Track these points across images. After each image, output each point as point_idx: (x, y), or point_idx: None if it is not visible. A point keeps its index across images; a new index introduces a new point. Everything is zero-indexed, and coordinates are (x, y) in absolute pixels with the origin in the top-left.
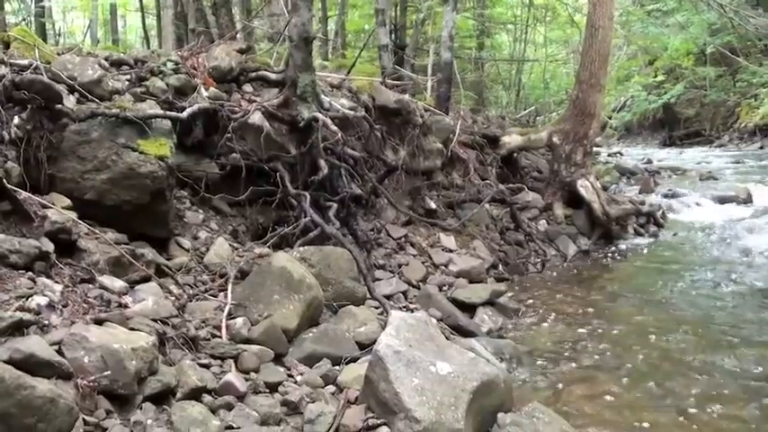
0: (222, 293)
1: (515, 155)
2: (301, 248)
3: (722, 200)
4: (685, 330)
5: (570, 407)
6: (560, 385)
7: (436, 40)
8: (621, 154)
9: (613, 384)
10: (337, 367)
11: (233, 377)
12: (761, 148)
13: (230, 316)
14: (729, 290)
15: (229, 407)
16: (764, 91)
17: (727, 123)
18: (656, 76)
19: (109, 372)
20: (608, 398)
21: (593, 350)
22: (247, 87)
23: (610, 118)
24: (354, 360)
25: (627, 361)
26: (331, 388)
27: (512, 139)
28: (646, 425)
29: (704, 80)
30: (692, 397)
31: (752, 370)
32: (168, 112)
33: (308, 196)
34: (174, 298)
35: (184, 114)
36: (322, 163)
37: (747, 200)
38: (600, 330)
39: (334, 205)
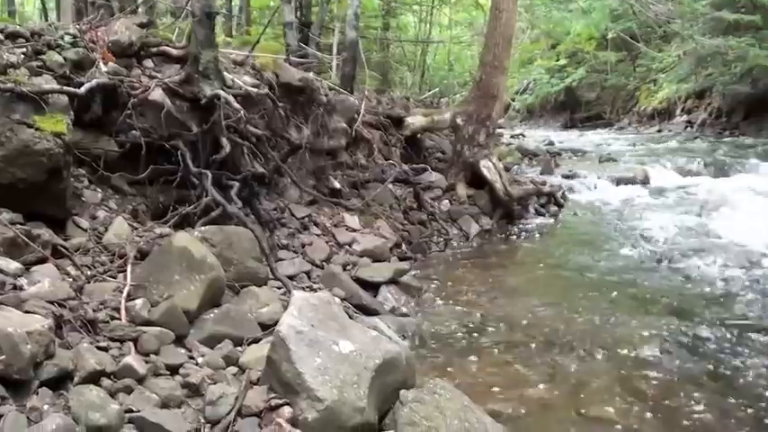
0: (121, 274)
1: (419, 135)
2: (203, 228)
3: (621, 181)
4: (582, 305)
5: (472, 382)
6: (462, 361)
7: (342, 18)
8: (524, 136)
9: (514, 359)
10: (239, 348)
11: (132, 360)
12: (659, 131)
13: (130, 297)
14: (624, 265)
15: (129, 390)
16: (663, 76)
17: (626, 107)
18: (558, 60)
19: (3, 356)
20: (509, 372)
21: (494, 326)
22: (148, 63)
23: (513, 100)
24: (257, 341)
25: (525, 336)
26: (233, 369)
27: (416, 120)
28: (545, 397)
29: (605, 64)
30: (588, 369)
31: (645, 338)
32: (65, 88)
33: (210, 175)
34: (71, 279)
35: (82, 90)
36: (224, 141)
37: (645, 181)
38: (501, 307)
39: (237, 184)
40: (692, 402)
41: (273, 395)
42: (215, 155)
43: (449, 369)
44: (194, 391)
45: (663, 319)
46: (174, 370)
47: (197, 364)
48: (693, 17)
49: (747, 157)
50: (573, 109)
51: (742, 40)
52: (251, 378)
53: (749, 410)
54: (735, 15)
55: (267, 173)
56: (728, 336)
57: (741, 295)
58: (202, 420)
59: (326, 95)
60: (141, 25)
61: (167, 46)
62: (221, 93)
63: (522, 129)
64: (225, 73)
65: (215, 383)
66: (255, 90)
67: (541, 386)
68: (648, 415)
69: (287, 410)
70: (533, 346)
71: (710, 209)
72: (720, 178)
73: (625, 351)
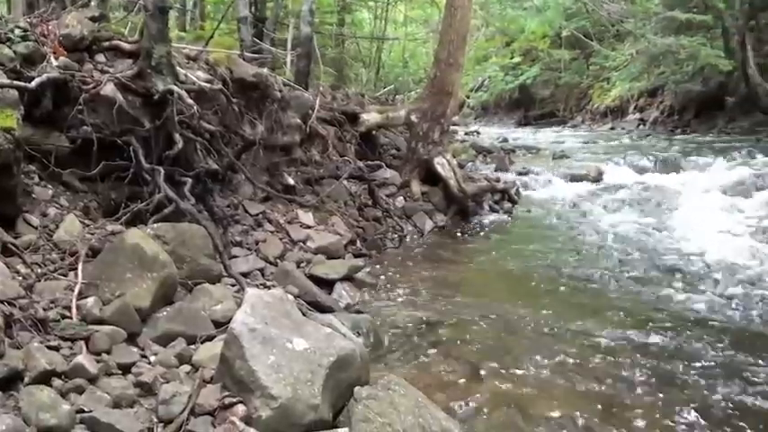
0: (72, 272)
1: (374, 132)
2: (155, 225)
3: (574, 178)
4: (534, 299)
5: (426, 378)
6: (417, 357)
7: (297, 14)
8: (478, 133)
9: (467, 354)
10: (192, 346)
11: (84, 359)
12: (612, 128)
13: (81, 296)
14: (576, 261)
15: (80, 390)
16: (616, 74)
17: (580, 105)
18: (512, 58)
19: None
20: (463, 368)
21: (448, 322)
22: (100, 57)
23: (468, 97)
24: (210, 339)
25: (480, 331)
26: (186, 367)
27: (371, 117)
28: (501, 389)
29: (559, 62)
30: (540, 365)
31: (596, 333)
32: (15, 82)
33: (163, 171)
34: (21, 278)
35: (33, 84)
36: (177, 137)
37: (598, 178)
38: (455, 303)
39: (190, 181)
40: (641, 400)
41: (227, 393)
42: (168, 151)
43: (403, 365)
44: (147, 390)
45: (612, 315)
46: (126, 369)
47: (149, 363)
48: (646, 16)
49: (698, 155)
50: (527, 106)
51: (693, 40)
52: (204, 376)
53: (694, 409)
54: (687, 15)
55: (221, 169)
56: (676, 331)
57: (690, 289)
58: (155, 420)
59: (281, 91)
60: (93, 19)
61: (120, 40)
62: (174, 88)
63: (477, 126)
64: (178, 68)
65: (168, 382)
66: (209, 86)
67: (495, 382)
68: (597, 412)
69: (241, 409)
70: (488, 342)
71: (662, 205)
72: (672, 175)
73: (575, 348)
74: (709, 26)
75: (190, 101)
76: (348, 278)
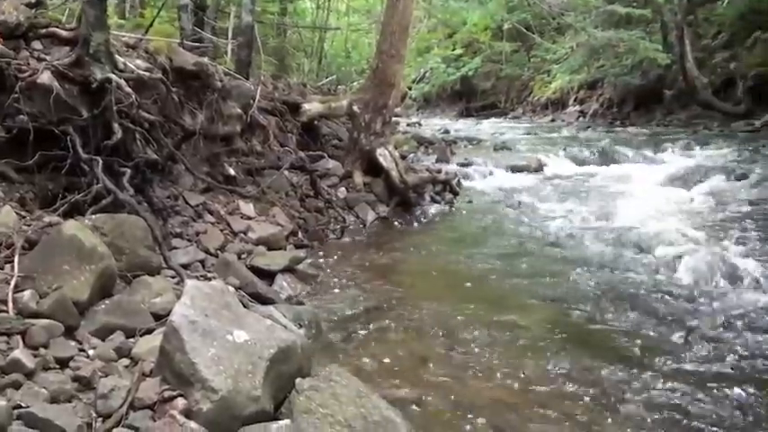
0: (8, 265)
1: (316, 122)
2: (93, 216)
3: (515, 169)
4: (473, 287)
5: (367, 368)
6: (358, 348)
7: (238, 2)
8: (420, 124)
9: (408, 343)
10: (132, 339)
11: (20, 354)
12: (552, 120)
13: (17, 289)
14: (516, 250)
15: (17, 385)
16: (556, 67)
17: (521, 97)
18: (454, 50)
19: None
20: (405, 358)
21: (390, 313)
22: (37, 45)
23: (410, 89)
24: (149, 331)
25: (421, 320)
26: (125, 361)
27: (312, 107)
28: (442, 376)
29: (501, 55)
30: (482, 352)
31: (532, 319)
32: None
33: (101, 161)
34: None
35: None
36: (116, 126)
37: (538, 169)
38: (396, 293)
39: (129, 171)
40: (578, 386)
41: (167, 387)
42: (106, 141)
43: (345, 356)
44: (85, 384)
45: (547, 300)
46: (64, 363)
47: (88, 357)
48: (586, 10)
49: (637, 147)
50: (469, 98)
51: (633, 34)
52: (144, 370)
53: (622, 399)
54: (626, 9)
55: (160, 159)
56: (603, 313)
57: (625, 276)
58: (94, 414)
59: (221, 81)
60: (30, 5)
61: (57, 27)
62: (113, 77)
63: (419, 117)
64: (117, 56)
65: (106, 376)
66: (148, 74)
67: (437, 370)
68: (536, 395)
69: (181, 402)
70: (429, 331)
71: (601, 196)
72: (611, 166)
73: (513, 333)
74: (648, 20)
75: (129, 90)
76: (289, 269)
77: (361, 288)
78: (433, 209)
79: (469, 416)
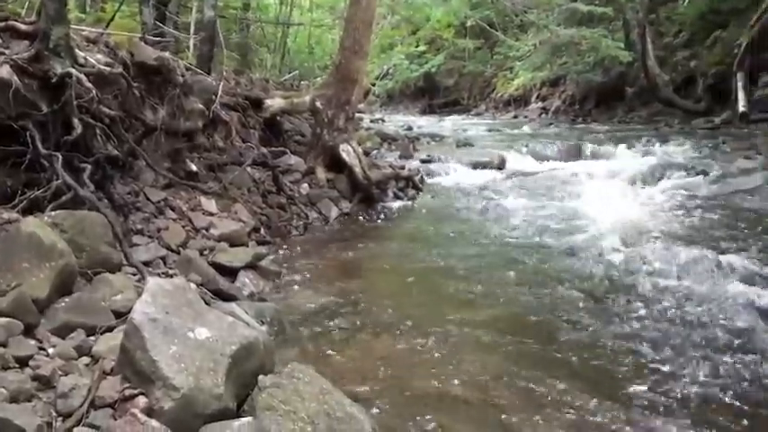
0: None
1: (279, 118)
2: (53, 213)
3: (477, 165)
4: (435, 282)
5: (330, 365)
6: (321, 345)
7: None
8: (383, 120)
9: (372, 341)
10: (92, 338)
11: None
12: (515, 117)
13: None
14: (478, 246)
15: None
16: (519, 64)
17: (483, 93)
18: (417, 46)
19: None
20: (368, 354)
21: (353, 309)
22: None
23: (373, 85)
24: (110, 329)
25: (385, 317)
26: (85, 359)
27: (275, 103)
28: (404, 372)
29: (464, 52)
30: (444, 342)
31: (494, 313)
32: None
33: (61, 157)
34: None
35: None
36: (76, 122)
37: (501, 165)
38: (360, 290)
39: (89, 167)
40: (534, 380)
41: (128, 385)
42: (66, 136)
43: (308, 353)
44: (45, 383)
45: (511, 298)
46: (23, 362)
47: (48, 356)
48: (549, 7)
49: (599, 143)
50: (432, 95)
51: (595, 31)
52: (104, 368)
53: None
54: (589, 7)
55: (121, 155)
56: (570, 314)
57: (584, 272)
58: (54, 413)
59: (183, 76)
60: None
61: (16, 21)
62: (73, 71)
63: (382, 113)
64: (77, 51)
65: (67, 375)
66: (109, 69)
67: (398, 365)
68: (500, 393)
69: (142, 400)
70: (391, 327)
71: (563, 192)
72: (573, 163)
73: (474, 328)
74: (610, 18)
75: (89, 84)
76: (252, 266)
77: (324, 284)
78: (395, 205)
79: (432, 412)
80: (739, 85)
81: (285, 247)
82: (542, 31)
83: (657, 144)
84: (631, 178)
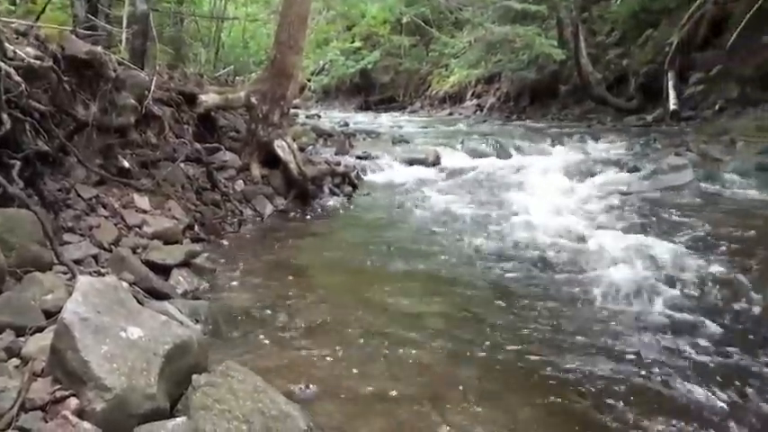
0: None
1: (213, 114)
2: None
3: (412, 162)
4: (369, 279)
5: (265, 363)
6: (256, 342)
7: None
8: (320, 116)
9: (305, 337)
10: (22, 338)
11: None
12: (450, 114)
13: None
14: (412, 240)
15: None
16: (455, 61)
17: (419, 90)
18: (353, 42)
19: None
20: (302, 352)
21: (288, 306)
22: None
23: (309, 80)
24: (40, 330)
25: (318, 313)
26: (15, 361)
27: (209, 98)
28: (339, 370)
29: (399, 48)
30: (378, 340)
31: (429, 309)
32: None
33: None
34: None
35: None
36: (4, 117)
37: (436, 162)
38: (293, 285)
39: (19, 163)
40: (469, 376)
41: (59, 386)
42: None
43: (242, 351)
44: None
45: (445, 292)
46: None
47: None
48: (484, 5)
49: (532, 140)
50: (368, 91)
51: (529, 29)
52: (35, 369)
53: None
54: (522, 5)
55: (51, 151)
56: (507, 306)
57: (517, 266)
58: None
59: (115, 70)
60: None
61: None
62: (1, 65)
63: (318, 109)
64: (6, 43)
65: None
66: (39, 63)
67: (333, 363)
68: (441, 390)
69: (73, 402)
70: (325, 324)
71: (496, 188)
72: (507, 159)
73: (407, 324)
74: (544, 17)
75: (18, 78)
76: (186, 264)
77: (259, 282)
78: (331, 201)
79: (367, 410)
80: (670, 83)
81: (220, 244)
82: (477, 28)
83: (590, 141)
84: (564, 174)
